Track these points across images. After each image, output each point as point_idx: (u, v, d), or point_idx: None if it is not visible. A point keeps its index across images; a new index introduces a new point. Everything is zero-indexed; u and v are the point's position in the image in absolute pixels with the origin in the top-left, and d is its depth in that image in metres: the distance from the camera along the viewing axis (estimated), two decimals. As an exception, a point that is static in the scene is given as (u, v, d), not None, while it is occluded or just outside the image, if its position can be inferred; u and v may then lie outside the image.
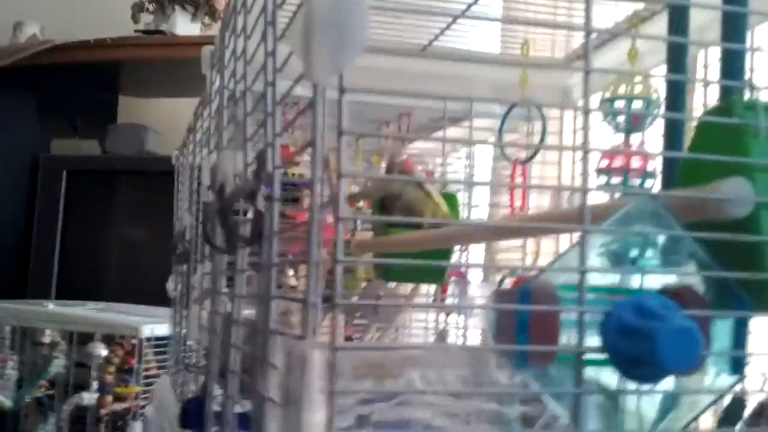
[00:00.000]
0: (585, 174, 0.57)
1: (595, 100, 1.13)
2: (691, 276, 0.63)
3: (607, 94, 1.09)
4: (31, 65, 2.82)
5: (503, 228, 0.89)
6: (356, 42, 0.49)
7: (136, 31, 2.93)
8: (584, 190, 0.56)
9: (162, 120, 3.16)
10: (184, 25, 2.89)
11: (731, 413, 0.79)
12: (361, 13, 0.49)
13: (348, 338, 1.67)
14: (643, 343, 0.54)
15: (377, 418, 0.62)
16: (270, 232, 0.66)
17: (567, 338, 0.58)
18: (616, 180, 1.09)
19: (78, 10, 3.24)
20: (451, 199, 1.33)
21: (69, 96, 3.06)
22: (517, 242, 1.47)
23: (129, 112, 3.37)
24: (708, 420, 1.00)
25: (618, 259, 0.64)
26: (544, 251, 1.37)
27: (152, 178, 2.60)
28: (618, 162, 1.09)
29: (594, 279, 0.62)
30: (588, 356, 0.57)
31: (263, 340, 0.65)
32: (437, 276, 1.37)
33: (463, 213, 1.41)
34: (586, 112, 0.58)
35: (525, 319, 0.58)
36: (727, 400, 0.79)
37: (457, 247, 1.41)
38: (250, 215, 0.72)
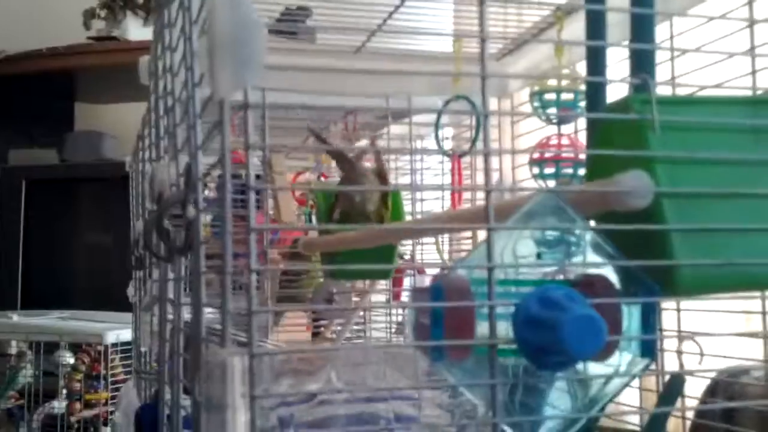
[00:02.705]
0: (487, 174, 0.60)
1: (526, 94, 1.15)
2: (603, 266, 0.66)
3: (537, 87, 1.12)
4: (-17, 77, 2.82)
5: (419, 227, 0.92)
6: (254, 60, 0.52)
7: (88, 38, 2.93)
8: (487, 190, 0.59)
9: (119, 125, 3.16)
10: (136, 30, 2.89)
11: (671, 390, 0.81)
12: (258, 34, 0.52)
13: (313, 335, 1.70)
14: (549, 332, 0.57)
15: (298, 419, 0.64)
16: (197, 241, 0.68)
17: (483, 330, 0.61)
18: (548, 170, 1.11)
19: (29, 19, 3.23)
20: (395, 195, 1.35)
21: (24, 106, 3.06)
22: (468, 234, 1.50)
23: (86, 119, 3.36)
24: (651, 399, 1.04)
25: (545, 249, 0.67)
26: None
27: (111, 184, 2.60)
28: (550, 153, 1.11)
29: (512, 272, 0.64)
30: (502, 347, 0.60)
31: (195, 347, 0.67)
32: (383, 272, 1.39)
33: (406, 208, 1.43)
34: (486, 115, 0.60)
35: (439, 313, 0.60)
36: (666, 378, 0.82)
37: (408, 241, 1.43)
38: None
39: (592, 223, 0.67)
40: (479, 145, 0.63)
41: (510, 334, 0.60)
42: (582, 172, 1.10)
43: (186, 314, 0.85)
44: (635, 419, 1.03)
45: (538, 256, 0.65)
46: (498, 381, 0.59)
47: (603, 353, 0.63)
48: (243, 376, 0.52)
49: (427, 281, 1.50)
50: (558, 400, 0.66)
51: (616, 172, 0.63)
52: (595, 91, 0.89)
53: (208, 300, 0.69)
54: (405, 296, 1.58)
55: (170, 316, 0.93)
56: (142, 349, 1.22)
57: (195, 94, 0.69)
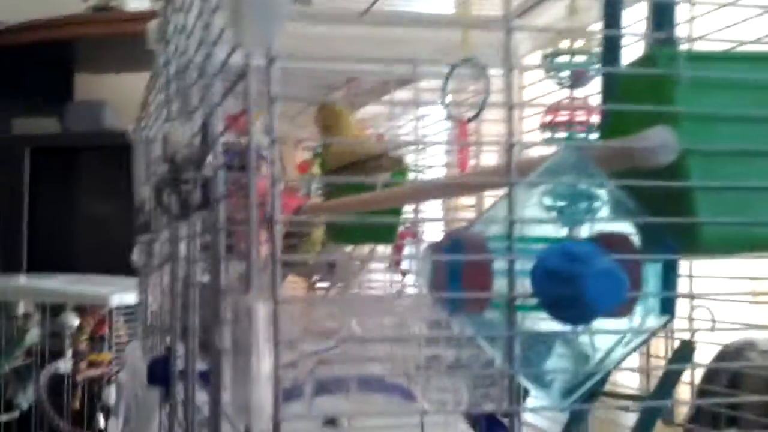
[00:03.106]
0: (509, 130, 0.60)
1: (538, 57, 1.15)
2: (623, 223, 0.66)
3: (549, 49, 1.12)
4: (-15, 48, 2.82)
5: (436, 187, 0.92)
6: (281, 13, 0.52)
7: (87, 8, 2.92)
8: (509, 146, 0.59)
9: (118, 94, 3.16)
10: (134, 0, 2.89)
11: (681, 356, 0.82)
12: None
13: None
14: (570, 286, 0.57)
15: (323, 373, 0.65)
16: (217, 197, 0.69)
17: (501, 286, 0.61)
18: (560, 134, 1.11)
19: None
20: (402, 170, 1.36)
21: (26, 76, 3.06)
22: (470, 200, 1.50)
23: (86, 89, 3.36)
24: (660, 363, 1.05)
25: (559, 210, 0.68)
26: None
27: (112, 152, 2.60)
28: (562, 117, 1.11)
29: (530, 230, 0.65)
30: (521, 302, 0.60)
31: (215, 299, 0.68)
32: (387, 236, 1.39)
33: (411, 174, 1.43)
34: (509, 69, 0.61)
35: (457, 268, 0.61)
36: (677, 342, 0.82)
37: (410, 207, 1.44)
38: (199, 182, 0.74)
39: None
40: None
41: (526, 289, 0.60)
42: (594, 137, 1.10)
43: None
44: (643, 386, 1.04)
45: (559, 212, 0.66)
46: (515, 333, 0.59)
47: (622, 309, 0.64)
48: (267, 321, 0.53)
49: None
50: (569, 358, 0.67)
51: (637, 129, 0.63)
52: (611, 50, 0.88)
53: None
54: (405, 264, 1.59)
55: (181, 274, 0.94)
56: (154, 307, 1.23)
57: (213, 52, 0.70)
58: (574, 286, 0.57)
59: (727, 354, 1.08)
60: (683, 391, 1.02)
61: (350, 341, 0.63)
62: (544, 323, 0.62)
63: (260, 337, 0.52)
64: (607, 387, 0.91)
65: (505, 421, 0.67)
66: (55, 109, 3.03)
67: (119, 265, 2.06)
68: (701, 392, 1.04)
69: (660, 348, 1.03)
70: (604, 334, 0.66)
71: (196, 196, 0.78)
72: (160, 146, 0.95)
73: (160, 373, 0.96)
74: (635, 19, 0.92)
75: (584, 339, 0.66)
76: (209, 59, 0.69)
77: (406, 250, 1.57)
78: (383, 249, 1.60)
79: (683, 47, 0.67)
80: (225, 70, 0.69)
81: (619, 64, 0.87)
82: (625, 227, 0.66)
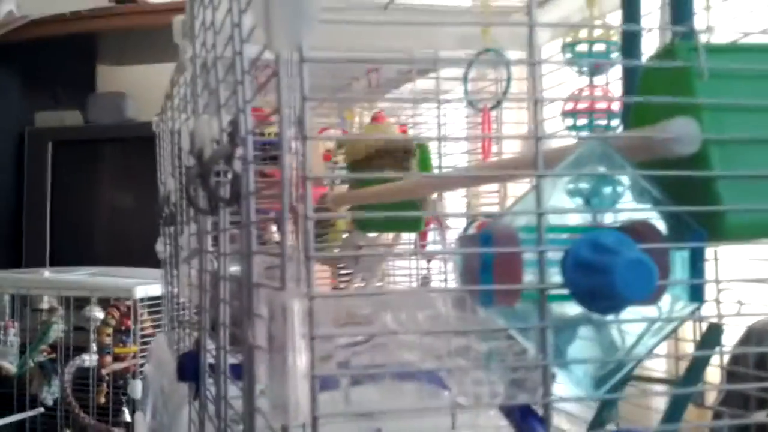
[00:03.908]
0: (536, 122, 0.61)
1: (558, 45, 1.15)
2: (648, 212, 0.67)
3: (569, 39, 1.12)
4: (9, 41, 2.85)
5: (464, 177, 0.93)
6: (311, 15, 0.53)
7: (110, 1, 2.95)
8: (536, 138, 0.60)
9: (140, 86, 3.19)
10: (157, -8, 2.91)
11: (709, 339, 0.82)
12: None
13: (335, 289, 1.72)
14: (601, 276, 0.58)
15: (356, 362, 0.66)
16: (247, 193, 0.70)
17: (532, 276, 0.62)
18: (582, 122, 1.11)
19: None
20: (423, 150, 1.36)
21: (49, 69, 3.09)
22: (493, 187, 1.51)
23: (108, 81, 3.39)
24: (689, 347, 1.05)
25: (584, 198, 0.68)
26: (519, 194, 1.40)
27: (134, 144, 2.62)
28: (583, 104, 1.11)
29: (557, 219, 0.66)
30: (552, 292, 0.61)
31: (247, 294, 0.69)
32: (413, 224, 1.40)
33: (434, 162, 1.44)
34: (532, 63, 0.61)
35: (488, 260, 0.62)
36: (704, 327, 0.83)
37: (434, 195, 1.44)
38: (229, 177, 0.75)
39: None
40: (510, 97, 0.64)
41: (557, 279, 0.61)
42: (615, 123, 1.10)
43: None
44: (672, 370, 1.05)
45: (587, 202, 0.66)
46: (548, 324, 0.60)
47: (651, 298, 0.65)
48: (303, 317, 0.54)
49: (452, 237, 1.52)
50: (599, 346, 0.68)
51: (660, 120, 0.65)
52: (631, 41, 0.89)
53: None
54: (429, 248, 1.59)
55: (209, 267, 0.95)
56: (182, 300, 1.24)
57: (243, 49, 0.71)
58: (604, 276, 0.58)
59: (753, 333, 1.08)
60: (712, 374, 1.03)
61: (384, 334, 0.64)
62: (574, 311, 0.63)
63: (296, 334, 0.53)
64: (637, 371, 0.92)
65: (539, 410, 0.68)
66: (77, 102, 3.06)
67: (143, 257, 2.07)
68: (729, 374, 1.04)
69: (687, 331, 1.03)
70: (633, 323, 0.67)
71: (224, 191, 0.79)
72: (187, 140, 0.96)
73: (189, 368, 0.97)
74: (653, 8, 0.92)
75: (614, 328, 0.67)
76: (239, 57, 0.70)
77: (431, 237, 1.58)
78: (407, 235, 1.61)
79: (702, 39, 0.67)
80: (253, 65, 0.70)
81: (640, 54, 0.88)
82: (651, 215, 0.67)
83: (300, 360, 0.54)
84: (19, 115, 3.02)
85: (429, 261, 1.61)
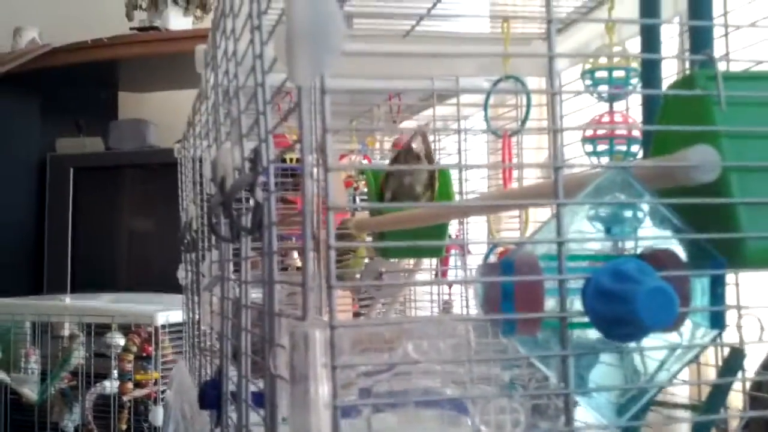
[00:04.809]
0: (555, 152, 0.61)
1: (578, 71, 1.16)
2: (668, 240, 0.67)
3: (588, 65, 1.12)
4: (32, 69, 2.89)
5: (485, 205, 0.93)
6: (333, 48, 0.53)
7: (131, 28, 2.99)
8: (555, 167, 0.60)
9: (161, 113, 3.21)
10: (176, 19, 2.94)
11: (732, 364, 0.82)
12: (336, 23, 0.54)
13: (356, 314, 1.72)
14: (622, 304, 0.58)
15: (378, 389, 0.66)
16: (269, 222, 0.71)
17: (553, 303, 0.62)
18: (602, 147, 1.11)
19: (73, 12, 3.29)
20: (443, 175, 1.36)
21: (71, 96, 3.12)
22: (514, 212, 1.51)
23: (129, 108, 3.42)
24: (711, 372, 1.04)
25: (604, 224, 0.69)
26: (540, 220, 1.40)
27: (156, 171, 2.65)
28: (603, 130, 1.12)
29: (578, 246, 0.66)
30: (573, 320, 0.61)
31: (269, 322, 0.69)
32: (435, 250, 1.41)
33: (455, 187, 1.44)
34: (553, 94, 0.62)
35: (509, 289, 0.62)
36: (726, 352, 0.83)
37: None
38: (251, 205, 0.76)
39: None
40: (530, 124, 0.64)
41: (578, 306, 0.61)
42: (635, 148, 1.11)
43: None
44: (693, 395, 1.04)
45: (607, 231, 0.67)
46: (570, 352, 0.60)
47: (673, 325, 0.65)
48: (324, 347, 0.54)
49: (473, 262, 1.52)
50: (622, 374, 0.68)
51: (680, 147, 0.65)
52: (650, 69, 0.90)
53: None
54: (451, 275, 1.60)
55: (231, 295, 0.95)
56: (203, 328, 1.25)
57: (265, 80, 0.71)
58: (626, 304, 0.58)
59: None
60: (735, 399, 1.02)
61: (406, 363, 0.64)
62: (595, 336, 0.63)
63: (318, 364, 0.54)
64: (659, 396, 0.91)
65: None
66: (98, 129, 3.08)
67: (163, 283, 2.08)
68: (752, 399, 1.04)
69: (710, 356, 1.02)
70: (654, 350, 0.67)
71: (246, 219, 0.79)
72: (209, 169, 0.96)
73: (211, 396, 0.97)
74: (670, 35, 0.93)
75: (636, 355, 0.67)
76: (261, 89, 0.71)
77: (452, 261, 1.58)
78: (429, 260, 1.61)
79: (720, 67, 0.68)
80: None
81: (660, 80, 0.88)
82: (671, 243, 0.67)
83: (322, 389, 0.54)
84: (40, 142, 3.05)
85: (450, 286, 1.61)
